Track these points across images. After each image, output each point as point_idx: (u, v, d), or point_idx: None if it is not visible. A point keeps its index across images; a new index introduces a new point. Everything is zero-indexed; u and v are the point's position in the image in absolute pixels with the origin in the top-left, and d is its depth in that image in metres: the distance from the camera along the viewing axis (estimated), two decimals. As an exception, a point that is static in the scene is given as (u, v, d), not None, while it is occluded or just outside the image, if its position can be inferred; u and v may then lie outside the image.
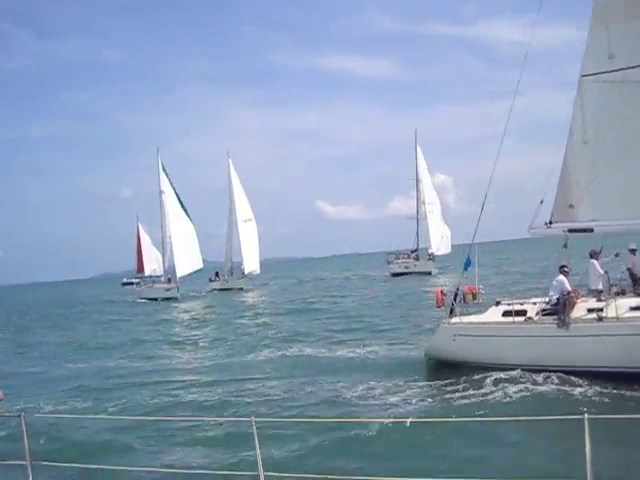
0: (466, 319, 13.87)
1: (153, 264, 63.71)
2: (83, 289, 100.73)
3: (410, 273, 56.78)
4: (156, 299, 49.48)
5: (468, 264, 14.35)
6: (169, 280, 51.54)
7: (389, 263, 61.98)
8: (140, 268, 67.85)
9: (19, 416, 6.22)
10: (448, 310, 14.13)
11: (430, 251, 57.39)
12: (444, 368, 13.68)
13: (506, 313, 13.40)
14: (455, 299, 14.06)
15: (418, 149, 61.09)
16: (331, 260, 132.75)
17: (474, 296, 14.28)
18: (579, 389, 11.22)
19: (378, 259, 73.52)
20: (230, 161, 57.11)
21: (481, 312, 14.05)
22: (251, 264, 55.03)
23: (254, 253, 55.37)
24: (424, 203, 60.48)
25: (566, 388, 11.40)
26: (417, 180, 61.00)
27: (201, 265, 54.09)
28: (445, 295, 14.50)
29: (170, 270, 52.44)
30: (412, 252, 61.28)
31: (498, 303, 13.96)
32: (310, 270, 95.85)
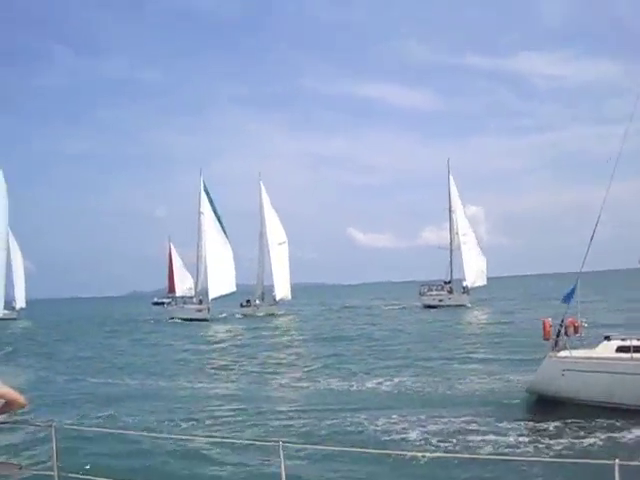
0: (576, 353, 13.21)
1: (184, 285, 64.07)
2: (116, 306, 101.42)
3: (443, 306, 55.22)
4: (187, 319, 49.38)
5: (571, 295, 13.85)
6: (200, 301, 51.64)
7: (422, 294, 60.47)
8: (171, 288, 68.54)
9: (50, 426, 6.19)
10: (552, 343, 13.53)
11: (465, 284, 55.52)
12: (548, 405, 13.03)
13: (621, 349, 12.72)
14: (560, 332, 13.44)
15: (451, 178, 60.13)
16: (360, 288, 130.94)
17: (576, 329, 13.61)
18: None
19: (408, 289, 72.63)
20: (261, 183, 57.19)
21: (590, 346, 13.58)
22: (282, 289, 54.64)
23: (285, 278, 55.00)
24: (457, 233, 59.15)
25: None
26: (450, 210, 59.85)
27: (234, 288, 54.05)
28: (550, 327, 13.73)
29: (202, 292, 52.65)
30: (445, 284, 59.70)
31: (608, 338, 13.34)
32: (339, 297, 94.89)
